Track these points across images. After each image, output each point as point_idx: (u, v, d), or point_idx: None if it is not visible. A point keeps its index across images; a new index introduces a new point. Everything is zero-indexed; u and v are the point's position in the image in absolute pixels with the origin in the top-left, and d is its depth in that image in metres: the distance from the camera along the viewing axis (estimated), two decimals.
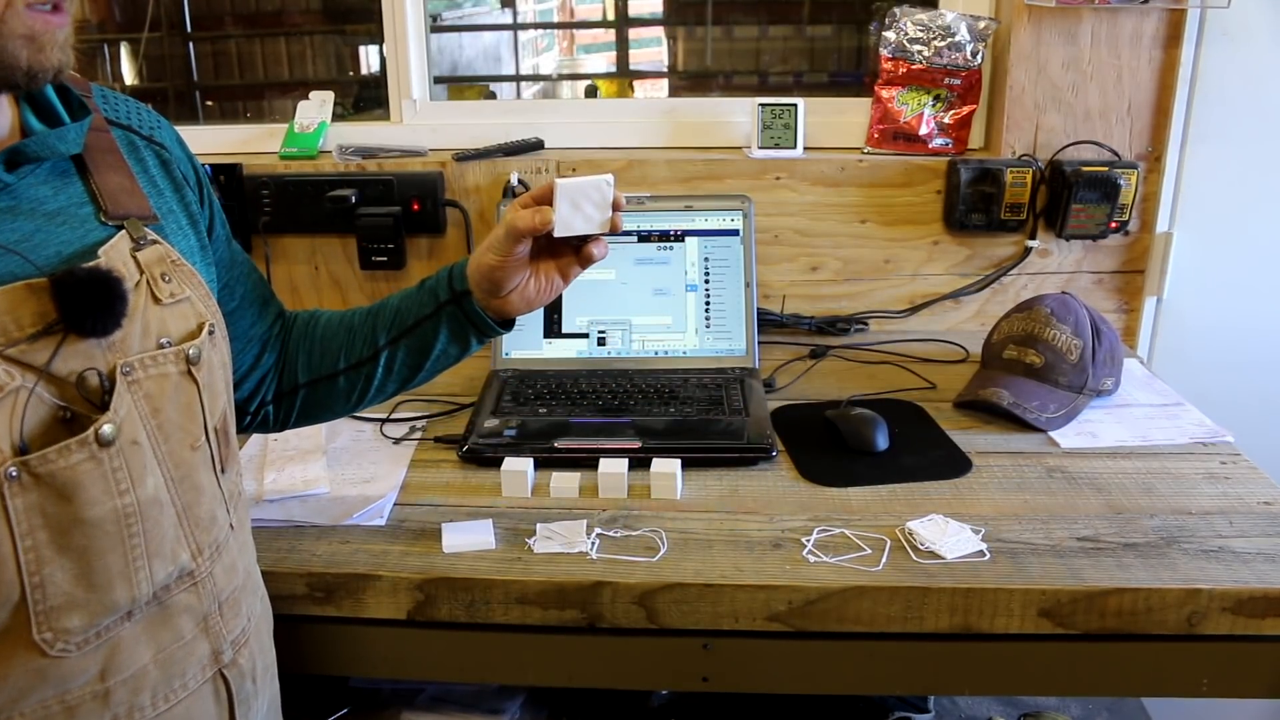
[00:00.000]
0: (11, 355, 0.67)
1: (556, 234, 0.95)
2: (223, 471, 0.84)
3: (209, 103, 2.25)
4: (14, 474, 0.67)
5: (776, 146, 1.71)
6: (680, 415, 1.34)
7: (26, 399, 0.67)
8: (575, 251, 0.99)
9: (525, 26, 3.22)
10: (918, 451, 1.28)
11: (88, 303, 0.70)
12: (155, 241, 0.80)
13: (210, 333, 0.82)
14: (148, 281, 0.78)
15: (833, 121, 1.76)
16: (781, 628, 1.02)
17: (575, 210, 0.95)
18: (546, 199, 0.96)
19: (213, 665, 0.82)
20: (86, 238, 0.76)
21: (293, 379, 1.08)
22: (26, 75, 0.71)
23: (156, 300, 0.78)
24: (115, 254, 0.76)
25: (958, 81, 1.67)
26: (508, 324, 1.04)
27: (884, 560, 1.04)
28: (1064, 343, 1.37)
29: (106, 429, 0.70)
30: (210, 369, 0.82)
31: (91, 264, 0.73)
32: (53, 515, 0.69)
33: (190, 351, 0.79)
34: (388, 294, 1.79)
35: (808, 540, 1.08)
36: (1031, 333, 1.39)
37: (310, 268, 1.77)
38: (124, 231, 0.78)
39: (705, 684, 1.06)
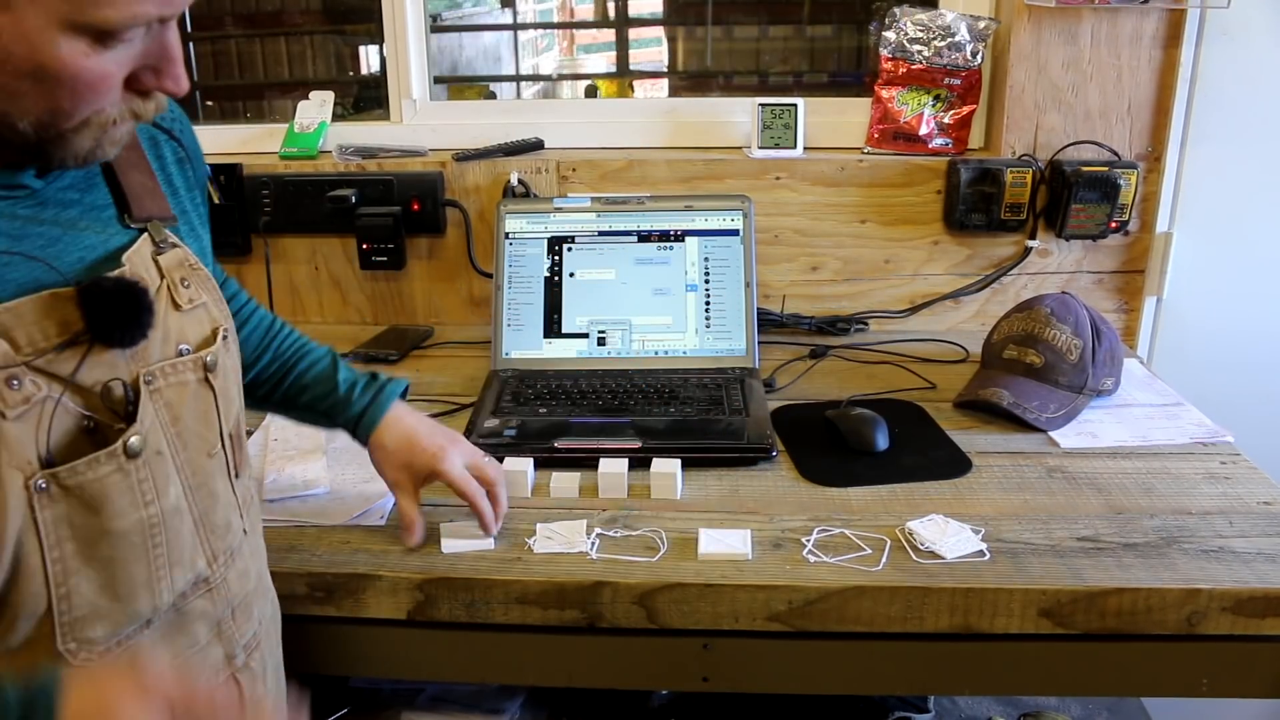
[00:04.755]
0: (39, 366, 0.67)
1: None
2: (236, 476, 0.84)
3: (209, 103, 2.25)
4: (43, 486, 0.67)
5: (776, 146, 1.71)
6: (680, 415, 1.34)
7: (53, 410, 0.67)
8: None
9: (525, 26, 3.22)
10: (918, 451, 1.28)
11: (115, 314, 0.70)
12: (175, 245, 0.80)
13: (224, 338, 0.82)
14: (168, 287, 0.77)
15: (833, 121, 1.76)
16: (781, 628, 1.02)
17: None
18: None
19: (226, 669, 0.83)
20: (109, 242, 0.76)
21: None
22: (81, 161, 0.70)
23: (176, 306, 0.78)
24: (138, 259, 0.75)
25: (958, 81, 1.67)
26: None
27: (884, 560, 1.04)
28: (1064, 343, 1.37)
29: (134, 440, 0.70)
30: (225, 374, 0.82)
31: (117, 273, 0.73)
32: (80, 527, 0.69)
33: (208, 359, 0.79)
34: (386, 294, 1.79)
35: (808, 540, 1.08)
36: (1031, 333, 1.39)
37: (310, 268, 1.77)
38: (146, 235, 0.78)
39: (705, 684, 1.06)
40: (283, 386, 1.09)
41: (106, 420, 0.70)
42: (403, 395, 1.11)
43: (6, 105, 0.64)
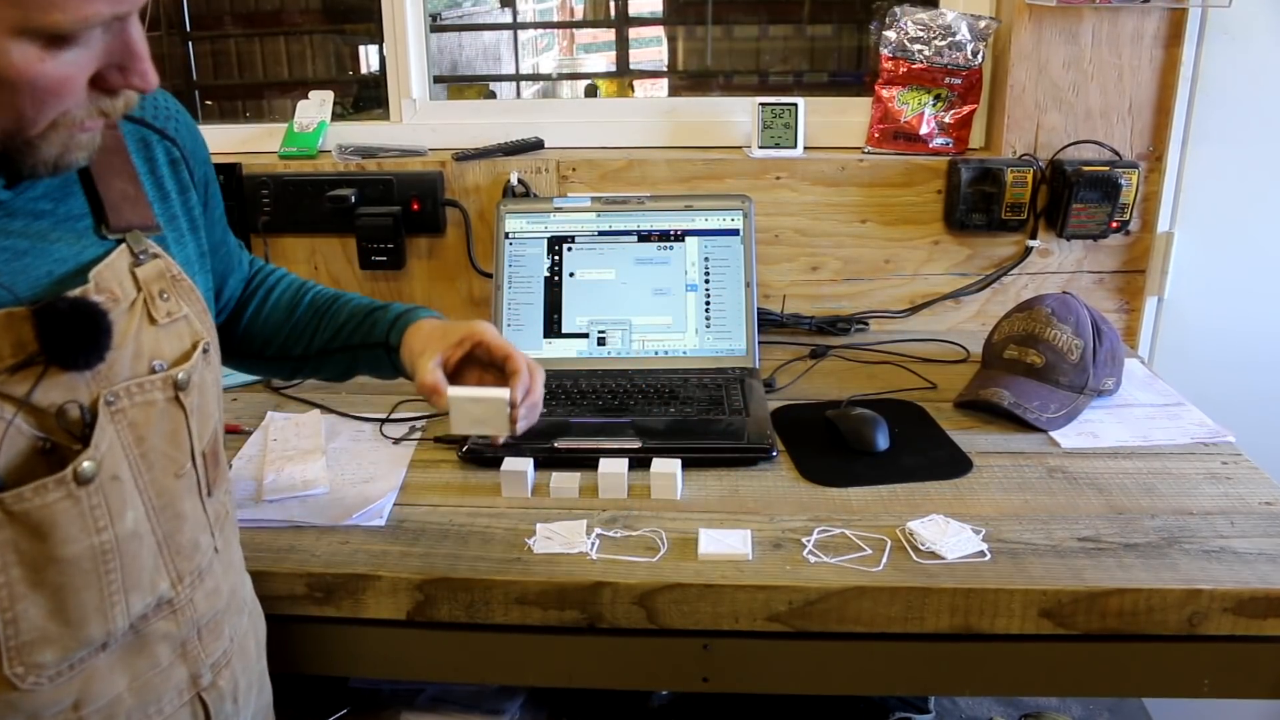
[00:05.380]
0: None
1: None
2: (209, 494, 0.82)
3: (208, 102, 2.25)
4: None
5: (776, 146, 1.71)
6: (680, 415, 1.34)
7: (4, 431, 0.65)
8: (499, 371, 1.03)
9: (525, 26, 3.22)
10: (918, 451, 1.28)
11: (71, 336, 0.67)
12: (156, 255, 0.78)
13: (204, 351, 0.80)
14: (144, 300, 0.75)
15: (833, 121, 1.75)
16: (781, 628, 1.02)
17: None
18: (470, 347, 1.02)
19: (191, 689, 0.81)
20: (82, 255, 0.73)
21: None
22: (51, 169, 0.69)
23: (152, 321, 0.76)
24: (111, 273, 0.73)
25: (958, 81, 1.66)
26: None
27: (884, 560, 1.04)
28: (1065, 343, 1.36)
29: (86, 466, 0.68)
30: (202, 391, 0.80)
31: (77, 292, 0.70)
32: (27, 552, 0.67)
33: (179, 377, 0.76)
34: (386, 293, 1.80)
35: (808, 540, 1.08)
36: (1032, 333, 1.39)
37: (310, 268, 1.77)
38: (124, 246, 0.76)
39: (705, 684, 1.06)
40: (320, 335, 1.09)
41: (63, 441, 0.68)
42: None
43: None
